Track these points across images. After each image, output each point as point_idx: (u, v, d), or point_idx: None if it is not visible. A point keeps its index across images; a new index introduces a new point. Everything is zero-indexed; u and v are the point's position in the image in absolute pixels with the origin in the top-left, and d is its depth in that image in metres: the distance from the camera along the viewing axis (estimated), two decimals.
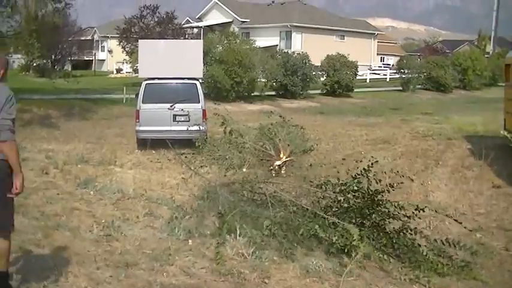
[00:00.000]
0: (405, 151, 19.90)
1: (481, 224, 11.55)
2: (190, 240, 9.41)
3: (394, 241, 9.18)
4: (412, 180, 13.50)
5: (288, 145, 13.37)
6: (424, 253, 8.85)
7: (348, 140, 22.76)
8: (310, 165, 13.31)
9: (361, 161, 12.26)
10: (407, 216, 9.34)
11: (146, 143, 19.35)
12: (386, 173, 11.71)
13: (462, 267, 8.69)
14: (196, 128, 15.63)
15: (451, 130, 25.48)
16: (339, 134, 24.69)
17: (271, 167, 13.04)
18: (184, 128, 17.34)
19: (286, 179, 12.42)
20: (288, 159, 13.28)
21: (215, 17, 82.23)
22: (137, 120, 19.54)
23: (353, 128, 26.78)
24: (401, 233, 9.30)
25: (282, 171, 13.15)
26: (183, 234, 9.64)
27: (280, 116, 14.12)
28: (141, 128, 19.45)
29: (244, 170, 11.58)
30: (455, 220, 9.98)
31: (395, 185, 9.90)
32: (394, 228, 9.45)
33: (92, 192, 12.77)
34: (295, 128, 14.27)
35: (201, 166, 12.91)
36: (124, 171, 15.66)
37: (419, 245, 9.10)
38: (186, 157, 14.78)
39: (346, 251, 8.90)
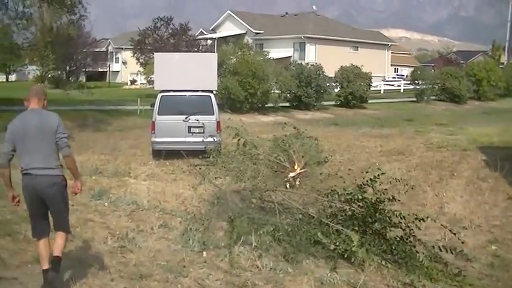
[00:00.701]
0: (420, 162, 19.80)
1: (496, 236, 11.48)
2: (204, 252, 9.42)
3: (394, 247, 9.38)
4: (412, 188, 13.56)
5: (303, 157, 13.38)
6: (420, 259, 9.01)
7: (362, 151, 22.68)
8: (328, 175, 13.28)
9: (367, 172, 12.27)
10: (408, 226, 9.54)
11: (161, 154, 19.46)
12: (395, 181, 11.74)
13: (456, 274, 8.81)
14: (210, 139, 15.66)
15: (466, 141, 25.34)
16: (353, 145, 24.60)
17: (286, 179, 13.04)
18: (199, 139, 17.47)
19: (299, 189, 12.44)
20: (302, 170, 13.27)
21: (229, 29, 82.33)
22: (153, 132, 19.73)
23: (367, 140, 26.69)
24: (400, 241, 9.51)
25: (297, 183, 13.15)
26: (198, 246, 9.66)
27: (294, 128, 14.13)
28: (157, 139, 19.64)
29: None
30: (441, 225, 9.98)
31: (397, 196, 10.05)
32: (396, 236, 9.64)
33: (106, 204, 12.82)
34: (310, 140, 14.29)
35: (216, 178, 12.91)
36: (138, 183, 15.69)
37: (417, 252, 9.24)
38: (200, 168, 14.80)
39: (346, 256, 9.10)
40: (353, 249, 8.79)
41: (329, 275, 8.49)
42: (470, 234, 11.54)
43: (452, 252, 9.54)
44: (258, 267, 8.76)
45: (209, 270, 8.62)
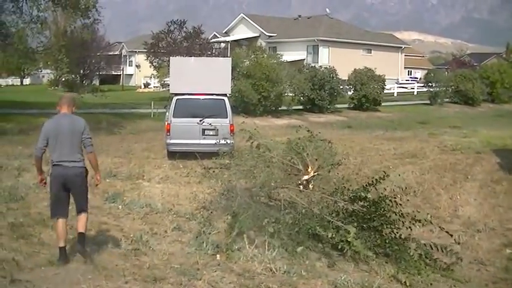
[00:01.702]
0: (433, 165, 19.77)
1: (511, 240, 11.42)
2: (218, 255, 9.42)
3: (387, 242, 9.68)
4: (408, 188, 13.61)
5: (316, 160, 13.34)
6: (411, 254, 9.24)
7: (375, 154, 22.67)
8: (342, 178, 13.27)
9: (373, 177, 12.31)
10: (401, 227, 9.87)
11: (175, 155, 19.68)
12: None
13: (444, 269, 9.08)
14: (224, 141, 15.71)
15: (480, 144, 25.28)
16: (366, 148, 24.59)
17: (299, 182, 13.02)
18: (213, 141, 17.57)
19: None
20: (316, 173, 13.24)
21: (242, 32, 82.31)
22: (168, 134, 20.10)
23: (381, 142, 26.66)
24: (395, 237, 9.80)
25: (310, 186, 13.12)
26: (211, 249, 9.66)
27: (308, 131, 14.11)
28: (172, 141, 20.07)
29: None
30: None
31: (410, 199, 10.23)
32: (391, 232, 9.88)
33: (120, 207, 12.85)
34: (323, 143, 14.24)
35: (229, 181, 12.91)
36: (152, 186, 15.73)
37: (409, 248, 9.43)
38: (213, 172, 14.82)
39: (339, 247, 9.42)
40: (348, 239, 9.14)
41: (343, 278, 8.47)
42: (484, 237, 11.49)
43: (443, 251, 9.58)
44: (271, 270, 8.75)
45: (223, 273, 8.61)
